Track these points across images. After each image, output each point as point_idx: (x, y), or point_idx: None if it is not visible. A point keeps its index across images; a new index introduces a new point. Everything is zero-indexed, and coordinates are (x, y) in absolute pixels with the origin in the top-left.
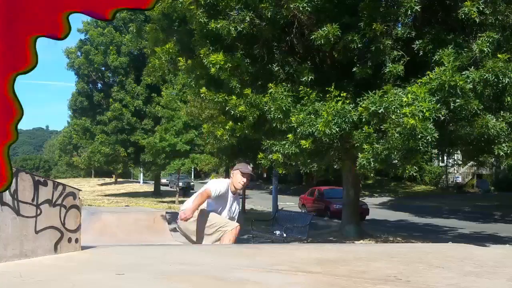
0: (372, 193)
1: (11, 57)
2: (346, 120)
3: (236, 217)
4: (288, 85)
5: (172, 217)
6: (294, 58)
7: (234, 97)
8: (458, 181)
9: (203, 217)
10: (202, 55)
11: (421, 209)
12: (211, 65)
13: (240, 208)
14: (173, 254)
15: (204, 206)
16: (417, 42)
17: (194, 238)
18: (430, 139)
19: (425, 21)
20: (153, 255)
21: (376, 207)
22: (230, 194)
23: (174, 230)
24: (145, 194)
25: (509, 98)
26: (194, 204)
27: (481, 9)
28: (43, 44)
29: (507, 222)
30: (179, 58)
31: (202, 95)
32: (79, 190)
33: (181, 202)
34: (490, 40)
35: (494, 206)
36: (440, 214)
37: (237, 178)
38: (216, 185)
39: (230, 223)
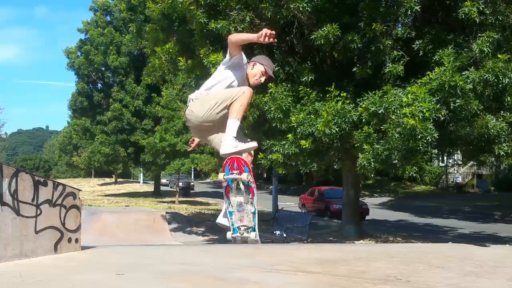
0: (372, 193)
1: None
2: (346, 120)
3: None
4: (288, 85)
5: (172, 217)
6: (294, 58)
7: None
8: (458, 181)
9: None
10: (202, 55)
11: (421, 209)
12: (211, 65)
13: None
14: (173, 254)
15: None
16: (417, 42)
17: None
18: (430, 139)
19: (425, 21)
20: (153, 255)
21: (376, 207)
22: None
23: (174, 230)
24: (145, 194)
25: (509, 98)
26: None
27: (481, 9)
28: (43, 44)
29: (507, 222)
30: (179, 58)
31: None
32: (79, 190)
33: (181, 202)
34: (490, 40)
35: (494, 206)
36: (440, 214)
37: (257, 72)
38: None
39: (236, 89)
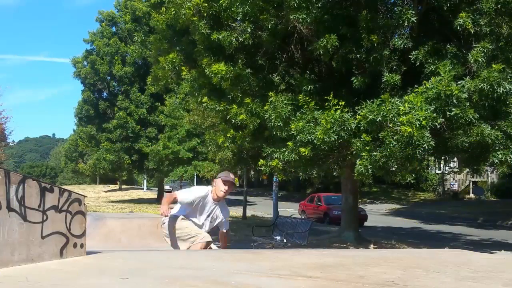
0: (373, 200)
1: None
2: (345, 128)
3: (218, 224)
4: (289, 94)
5: None
6: (294, 68)
7: (235, 106)
8: (454, 188)
9: (173, 222)
10: (204, 65)
11: (419, 216)
12: (213, 75)
13: (227, 216)
14: (176, 259)
15: (175, 209)
16: (413, 53)
17: (168, 242)
18: (426, 147)
19: (422, 31)
20: (157, 260)
21: (376, 214)
22: (210, 202)
23: None
24: (149, 201)
25: (504, 107)
26: (163, 202)
27: (475, 20)
28: (47, 51)
29: (506, 229)
30: (182, 68)
31: (204, 104)
32: (85, 196)
33: None
34: (485, 50)
35: (493, 212)
36: (439, 220)
37: (219, 186)
38: (186, 193)
39: (199, 235)
